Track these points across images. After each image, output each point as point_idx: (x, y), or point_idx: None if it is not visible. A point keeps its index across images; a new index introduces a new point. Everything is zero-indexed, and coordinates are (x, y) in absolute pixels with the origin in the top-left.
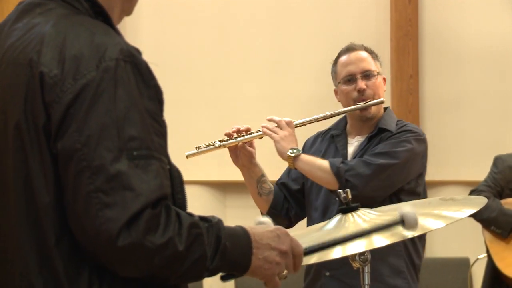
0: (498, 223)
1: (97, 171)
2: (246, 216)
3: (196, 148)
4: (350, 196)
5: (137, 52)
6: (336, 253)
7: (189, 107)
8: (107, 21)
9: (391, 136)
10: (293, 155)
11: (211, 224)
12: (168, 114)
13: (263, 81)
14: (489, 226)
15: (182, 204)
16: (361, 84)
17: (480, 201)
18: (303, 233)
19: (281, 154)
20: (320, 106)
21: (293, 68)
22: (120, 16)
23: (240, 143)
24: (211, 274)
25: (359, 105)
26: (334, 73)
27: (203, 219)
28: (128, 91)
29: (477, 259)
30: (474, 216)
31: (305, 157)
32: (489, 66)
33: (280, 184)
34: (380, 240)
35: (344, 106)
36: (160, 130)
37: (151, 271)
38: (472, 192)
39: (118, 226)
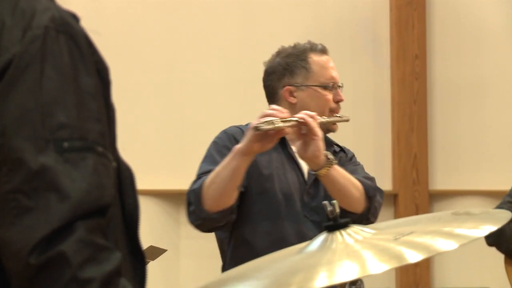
0: None
1: (15, 166)
2: (205, 235)
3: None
4: (338, 210)
5: (73, 19)
6: (321, 281)
7: (135, 94)
8: None
9: (350, 158)
10: (334, 162)
11: None
12: None
13: (230, 63)
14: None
15: (134, 211)
16: (341, 95)
17: (503, 216)
18: (279, 256)
19: (319, 155)
20: None
21: (267, 48)
22: None
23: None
24: None
25: (338, 117)
26: (305, 69)
27: None
28: (59, 68)
29: None
30: (496, 245)
31: (338, 167)
32: None
33: None
34: (376, 265)
35: (314, 112)
36: (99, 116)
37: None
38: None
39: (35, 239)
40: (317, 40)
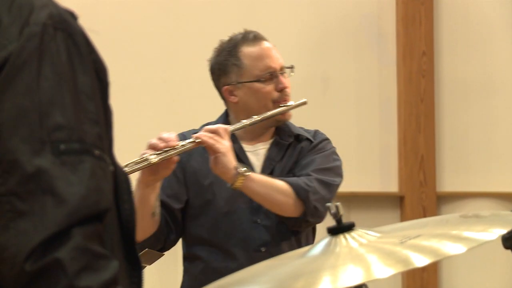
0: None
1: (10, 168)
2: None
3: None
4: (342, 212)
5: (72, 17)
6: (324, 286)
7: (132, 94)
8: None
9: (314, 146)
10: (247, 173)
11: None
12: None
13: None
14: None
15: (130, 217)
16: (284, 82)
17: None
18: (280, 261)
19: (227, 171)
20: (305, 92)
21: None
22: None
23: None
24: None
25: (285, 107)
26: (236, 66)
27: None
28: (56, 67)
29: None
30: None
31: (256, 175)
32: None
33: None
34: (382, 270)
35: (257, 108)
36: (97, 118)
37: None
38: None
39: (31, 245)
40: (320, 36)
